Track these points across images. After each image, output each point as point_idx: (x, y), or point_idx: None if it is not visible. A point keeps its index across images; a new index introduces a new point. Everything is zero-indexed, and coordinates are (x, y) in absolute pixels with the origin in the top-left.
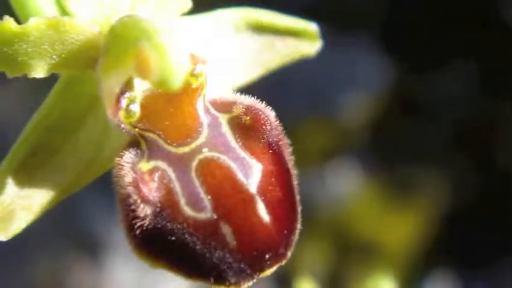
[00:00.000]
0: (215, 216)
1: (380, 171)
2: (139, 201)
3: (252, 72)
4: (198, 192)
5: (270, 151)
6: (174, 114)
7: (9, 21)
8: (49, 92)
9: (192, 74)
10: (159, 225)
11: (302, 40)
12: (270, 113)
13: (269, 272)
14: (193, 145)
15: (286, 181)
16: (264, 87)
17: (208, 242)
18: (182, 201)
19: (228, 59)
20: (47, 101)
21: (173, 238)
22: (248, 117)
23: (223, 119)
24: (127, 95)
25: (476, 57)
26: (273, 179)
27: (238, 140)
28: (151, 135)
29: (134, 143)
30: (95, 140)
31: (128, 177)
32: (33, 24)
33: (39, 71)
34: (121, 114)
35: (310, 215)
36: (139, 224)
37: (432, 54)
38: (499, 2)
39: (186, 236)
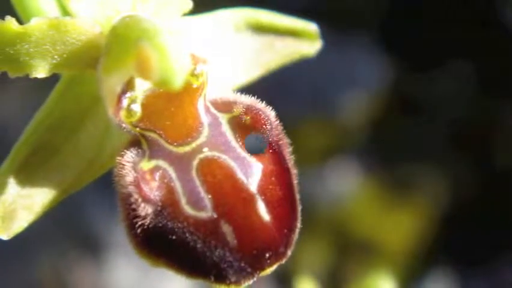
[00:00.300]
0: (215, 215)
1: (379, 171)
2: (140, 200)
3: (252, 72)
4: (199, 191)
5: (270, 151)
6: (175, 113)
7: (11, 22)
8: (51, 92)
9: (193, 74)
10: (160, 224)
11: (302, 40)
12: (270, 113)
13: (269, 270)
14: (193, 144)
15: (286, 180)
16: (264, 87)
17: (208, 241)
18: (183, 200)
19: (228, 59)
20: (48, 100)
21: (174, 237)
22: (248, 117)
23: (223, 118)
24: (128, 94)
25: (476, 57)
26: (273, 179)
27: (239, 140)
28: (152, 135)
29: (135, 143)
30: (96, 139)
31: (129, 176)
32: (35, 25)
33: (40, 71)
34: (122, 113)
35: (310, 215)
36: (140, 223)
37: (432, 54)
38: (498, 2)
39: (187, 234)
